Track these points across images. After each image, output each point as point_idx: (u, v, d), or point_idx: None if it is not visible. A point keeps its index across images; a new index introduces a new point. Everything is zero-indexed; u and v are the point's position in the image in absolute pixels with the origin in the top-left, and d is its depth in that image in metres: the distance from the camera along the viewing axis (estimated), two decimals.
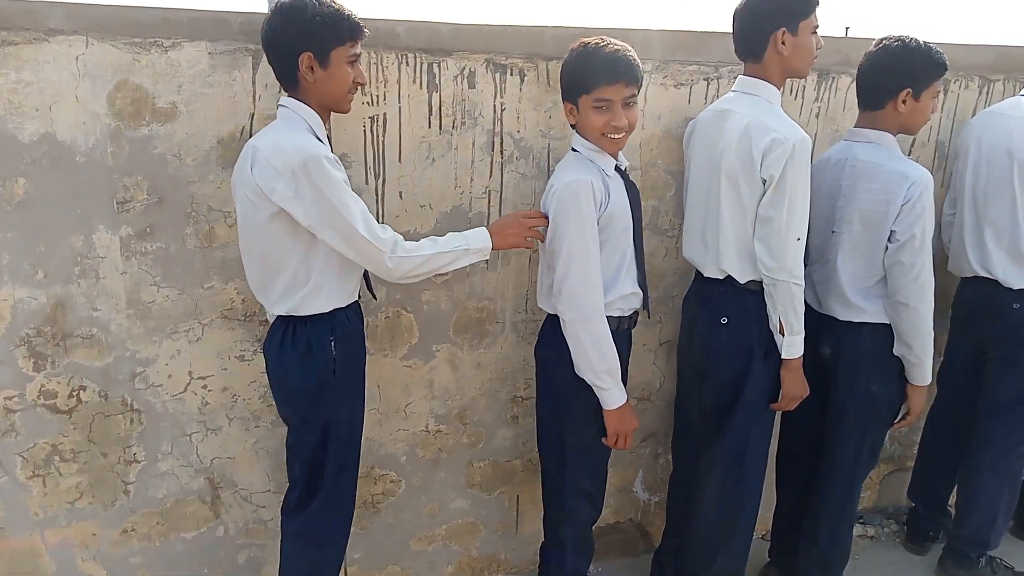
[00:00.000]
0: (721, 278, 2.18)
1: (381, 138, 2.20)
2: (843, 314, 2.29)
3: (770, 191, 2.01)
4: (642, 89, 2.11)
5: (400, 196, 2.25)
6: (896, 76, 2.14)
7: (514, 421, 2.58)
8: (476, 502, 2.65)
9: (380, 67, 2.14)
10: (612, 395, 2.05)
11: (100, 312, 2.10)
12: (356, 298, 2.02)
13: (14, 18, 1.86)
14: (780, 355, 2.14)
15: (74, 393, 2.14)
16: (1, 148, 1.92)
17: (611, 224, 2.03)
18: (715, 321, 2.19)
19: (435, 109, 2.21)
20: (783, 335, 2.10)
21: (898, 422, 2.40)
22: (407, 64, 2.16)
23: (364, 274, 2.04)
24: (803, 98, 2.57)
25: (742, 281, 2.14)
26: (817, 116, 2.60)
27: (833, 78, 2.57)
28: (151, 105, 1.99)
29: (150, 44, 1.96)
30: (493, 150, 2.30)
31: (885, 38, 2.19)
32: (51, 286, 2.04)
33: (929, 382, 2.30)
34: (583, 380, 2.05)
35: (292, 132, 1.78)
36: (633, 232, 2.09)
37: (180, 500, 2.32)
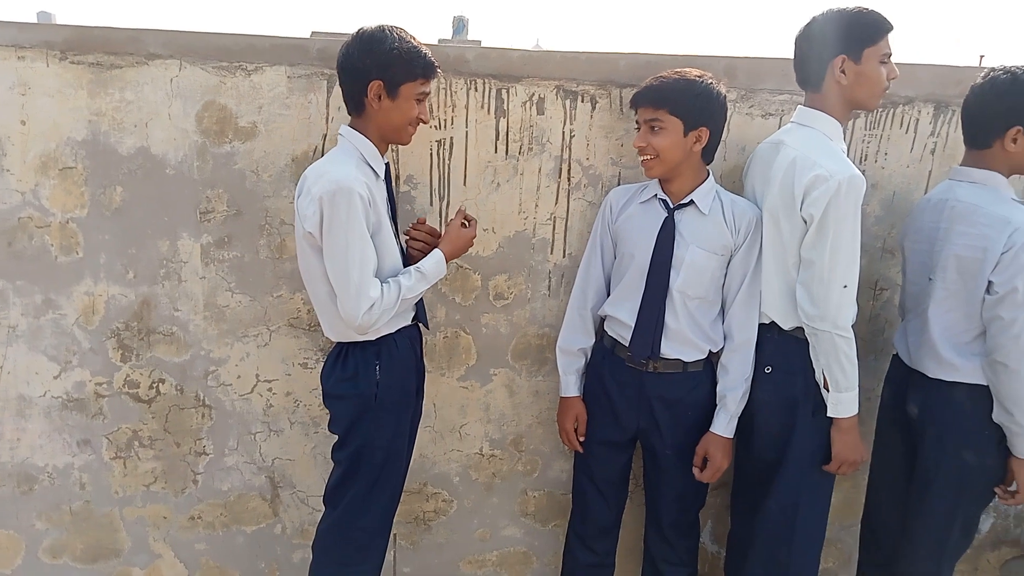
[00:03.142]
0: (766, 323, 2.02)
1: (447, 161, 2.23)
2: (934, 371, 2.04)
3: (812, 231, 1.85)
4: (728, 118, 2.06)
5: None
6: (1003, 113, 1.89)
7: (572, 454, 2.51)
8: (529, 532, 2.60)
9: (448, 92, 2.17)
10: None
11: (180, 312, 2.27)
12: (407, 323, 2.02)
13: (120, 44, 2.07)
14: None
15: (154, 385, 2.33)
16: (104, 159, 2.14)
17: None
18: (760, 370, 2.04)
19: (502, 134, 2.22)
20: (828, 391, 1.91)
21: (1005, 496, 2.09)
22: (475, 89, 2.18)
23: (417, 302, 2.05)
24: (916, 132, 2.33)
25: (786, 327, 1.98)
26: (932, 153, 2.34)
27: (953, 111, 2.31)
28: (234, 124, 2.14)
29: (235, 68, 2.11)
30: (560, 176, 2.27)
31: (994, 69, 1.94)
32: (139, 286, 2.24)
33: None
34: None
35: (341, 161, 1.82)
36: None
37: (243, 495, 2.45)
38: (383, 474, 1.99)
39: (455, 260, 2.28)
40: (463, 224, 2.03)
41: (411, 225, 2.05)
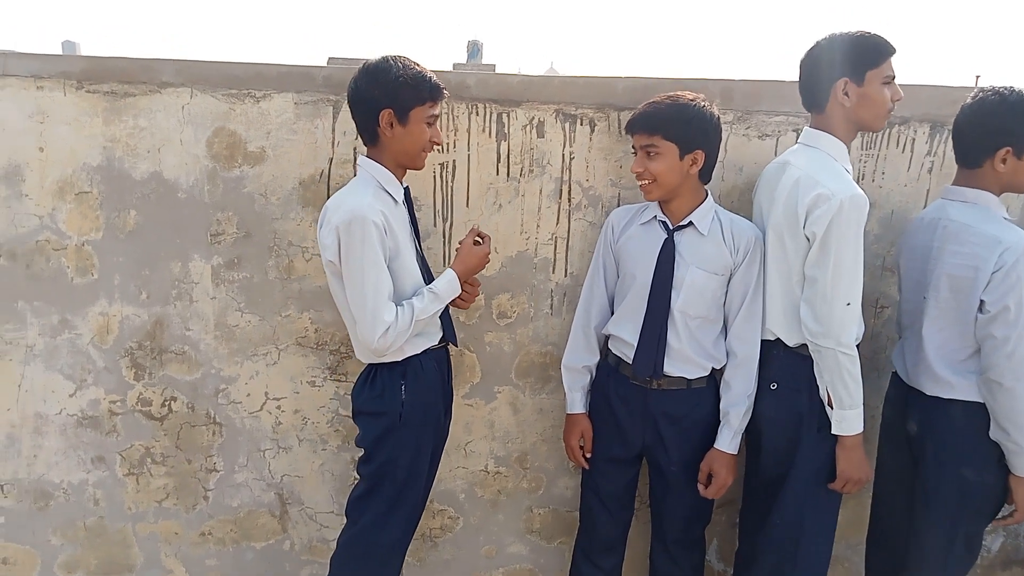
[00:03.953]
0: (771, 339, 2.04)
1: (450, 184, 2.28)
2: (931, 388, 2.05)
3: (815, 249, 1.88)
4: (723, 140, 2.11)
5: None
6: (993, 133, 1.91)
7: (577, 471, 2.54)
8: (535, 549, 2.62)
9: (451, 116, 2.23)
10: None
11: (192, 332, 2.33)
12: (435, 343, 2.05)
13: (134, 73, 2.15)
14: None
15: (166, 403, 2.38)
16: (119, 184, 2.22)
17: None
18: (765, 387, 2.06)
19: (503, 157, 2.27)
20: (832, 408, 1.93)
21: (1002, 519, 2.09)
22: (477, 114, 2.23)
23: (444, 321, 2.09)
24: (913, 151, 2.35)
25: (791, 344, 2.00)
26: (929, 171, 2.37)
27: (949, 131, 2.32)
28: (243, 149, 2.21)
29: (244, 95, 2.18)
30: (561, 198, 2.31)
31: (984, 89, 1.96)
32: (152, 306, 2.31)
33: None
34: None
35: (359, 191, 1.88)
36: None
37: (252, 511, 2.50)
38: (403, 493, 2.02)
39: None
40: (476, 242, 2.07)
41: (462, 246, 2.06)
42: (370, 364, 2.01)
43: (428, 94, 1.87)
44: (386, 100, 1.84)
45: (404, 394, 1.97)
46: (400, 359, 1.97)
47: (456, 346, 2.21)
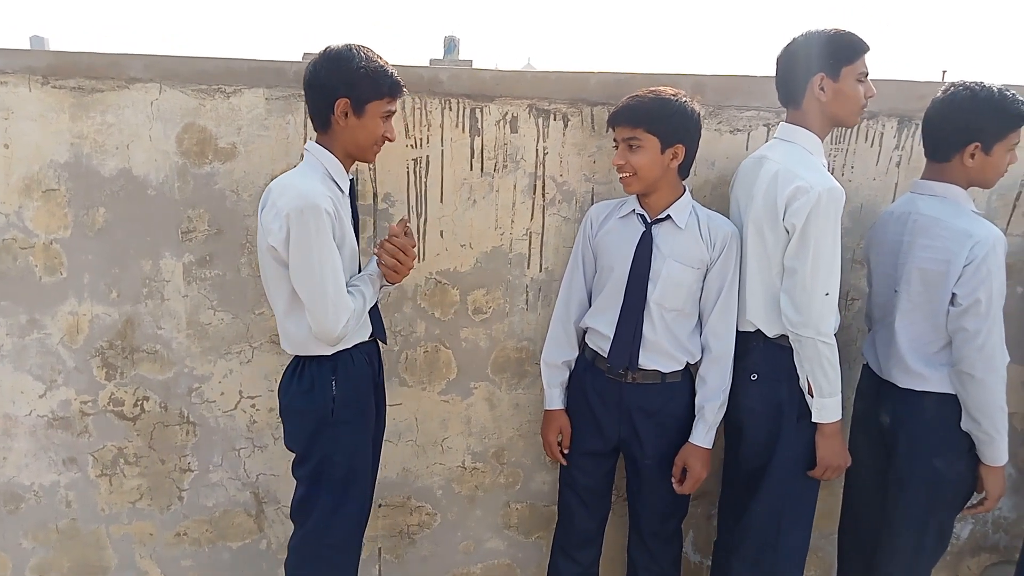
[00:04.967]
0: (751, 331, 2.07)
1: (424, 179, 2.28)
2: (903, 381, 2.08)
3: (794, 241, 1.91)
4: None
5: (441, 235, 2.32)
6: (962, 129, 1.95)
7: (554, 466, 2.55)
8: (512, 544, 2.63)
9: (424, 112, 2.22)
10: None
11: (163, 330, 2.31)
12: (364, 339, 2.01)
13: (102, 69, 2.12)
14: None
15: (138, 403, 2.36)
16: (87, 181, 2.19)
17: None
18: (746, 377, 2.09)
19: (477, 152, 2.27)
20: (812, 396, 1.95)
21: (972, 507, 2.13)
22: (450, 109, 2.23)
23: (375, 318, 2.05)
24: (881, 146, 2.38)
25: (771, 335, 2.03)
26: (898, 165, 2.40)
27: (916, 125, 2.36)
28: (214, 145, 2.19)
29: (214, 91, 2.16)
30: (535, 193, 2.31)
31: (954, 84, 2.00)
32: (123, 304, 2.28)
33: (1004, 462, 2.03)
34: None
35: (307, 177, 1.82)
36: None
37: (228, 511, 2.48)
38: (347, 490, 1.97)
39: (434, 276, 2.33)
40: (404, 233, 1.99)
41: (390, 232, 1.98)
42: (296, 356, 1.95)
43: (387, 89, 1.85)
44: (344, 89, 1.81)
45: (335, 390, 1.92)
46: (330, 353, 1.91)
47: (385, 343, 2.17)
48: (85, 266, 2.24)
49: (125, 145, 2.17)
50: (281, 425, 2.39)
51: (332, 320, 1.80)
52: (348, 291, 1.85)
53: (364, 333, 2.00)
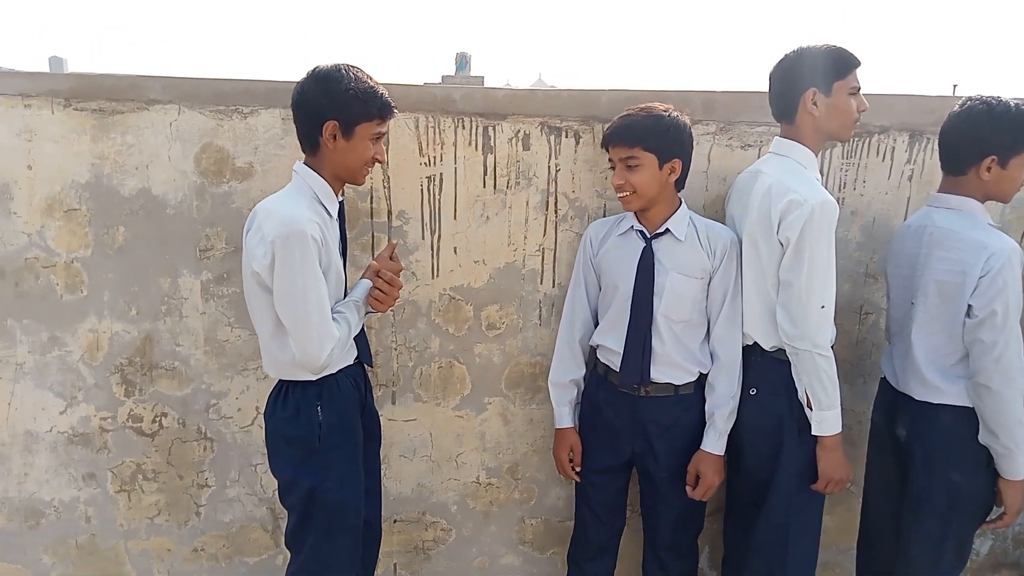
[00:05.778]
0: (749, 344, 2.07)
1: (437, 196, 2.30)
2: (920, 394, 2.08)
3: (788, 254, 1.92)
4: (706, 150, 2.20)
5: (455, 252, 2.34)
6: (978, 143, 1.95)
7: (568, 482, 2.55)
8: (528, 560, 2.63)
9: (437, 130, 2.25)
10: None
11: (182, 347, 2.34)
12: (350, 363, 1.96)
13: (122, 91, 2.16)
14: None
15: (157, 419, 2.39)
16: (107, 200, 2.23)
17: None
18: (745, 392, 2.09)
19: (490, 169, 2.29)
20: (811, 409, 1.96)
21: (990, 522, 2.12)
22: (463, 127, 2.26)
23: (360, 341, 2.00)
24: (893, 160, 2.39)
25: (768, 348, 2.03)
26: (910, 179, 2.40)
27: (928, 139, 2.37)
28: (231, 165, 2.23)
29: (232, 111, 2.20)
30: (547, 209, 2.33)
31: (971, 98, 2.00)
32: (142, 322, 2.31)
33: (1023, 476, 2.02)
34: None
35: (294, 201, 1.77)
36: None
37: (245, 526, 2.50)
38: (340, 519, 1.91)
39: (448, 292, 2.34)
40: (391, 257, 1.99)
41: (379, 262, 1.96)
42: (281, 380, 1.89)
43: (377, 111, 1.79)
44: (332, 111, 1.75)
45: (321, 415, 1.86)
46: (315, 378, 1.86)
47: (371, 367, 2.12)
48: (105, 284, 2.28)
49: (144, 165, 2.21)
50: None
51: (316, 349, 1.75)
52: (333, 318, 1.81)
53: (349, 357, 1.95)
